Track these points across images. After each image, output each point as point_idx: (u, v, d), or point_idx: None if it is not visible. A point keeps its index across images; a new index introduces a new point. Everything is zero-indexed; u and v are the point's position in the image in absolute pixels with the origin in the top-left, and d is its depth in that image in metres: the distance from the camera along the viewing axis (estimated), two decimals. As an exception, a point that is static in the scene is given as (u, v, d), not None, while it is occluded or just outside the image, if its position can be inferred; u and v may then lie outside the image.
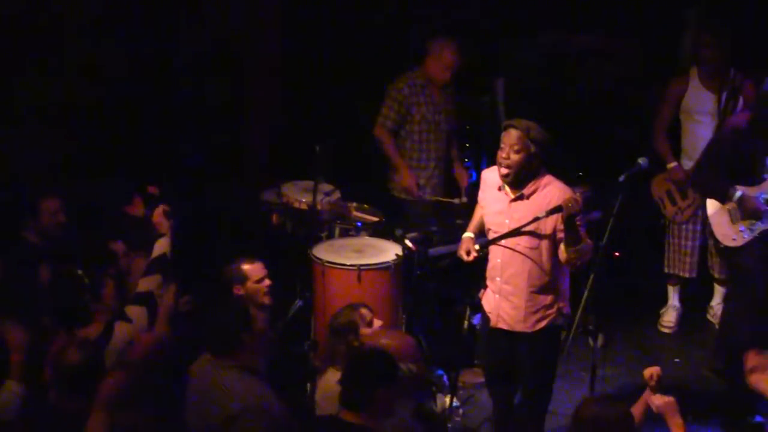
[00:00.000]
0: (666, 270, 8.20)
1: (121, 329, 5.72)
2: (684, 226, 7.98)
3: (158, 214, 6.50)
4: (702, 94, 8.03)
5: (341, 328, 5.85)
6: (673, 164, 7.89)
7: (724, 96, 7.92)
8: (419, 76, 8.05)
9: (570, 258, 6.07)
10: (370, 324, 5.88)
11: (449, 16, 9.30)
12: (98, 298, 6.11)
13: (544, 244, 6.12)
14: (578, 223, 6.02)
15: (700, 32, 8.19)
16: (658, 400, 5.09)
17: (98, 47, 8.28)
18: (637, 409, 5.16)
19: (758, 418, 6.91)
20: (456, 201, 7.85)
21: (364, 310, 5.93)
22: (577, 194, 6.07)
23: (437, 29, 8.57)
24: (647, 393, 5.19)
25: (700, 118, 7.90)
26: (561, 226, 6.00)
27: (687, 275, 8.11)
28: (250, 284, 6.34)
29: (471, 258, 6.34)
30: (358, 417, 4.76)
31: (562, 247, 6.07)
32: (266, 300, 6.41)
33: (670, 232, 8.15)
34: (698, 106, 8.01)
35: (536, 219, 6.01)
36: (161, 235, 6.46)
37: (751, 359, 5.36)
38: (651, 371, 5.23)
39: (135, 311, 6.12)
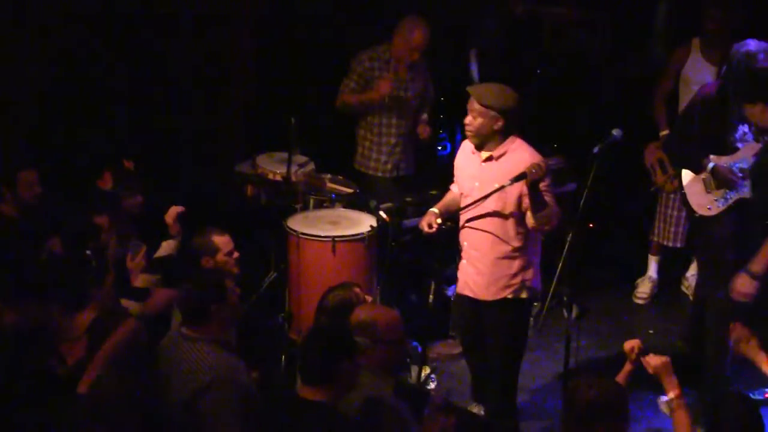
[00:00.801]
0: (654, 238, 8.22)
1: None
2: (673, 195, 7.96)
3: (171, 216, 6.66)
4: (702, 65, 8.08)
5: (336, 308, 5.70)
6: (665, 132, 7.90)
7: (723, 69, 7.95)
8: (385, 51, 7.99)
9: (536, 223, 6.12)
10: (363, 302, 5.83)
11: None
12: (101, 284, 6.12)
13: (510, 210, 6.17)
14: (545, 189, 6.05)
15: (707, 4, 8.14)
16: (654, 360, 5.14)
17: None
18: (620, 379, 5.18)
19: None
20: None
21: (357, 289, 5.86)
22: (543, 161, 6.10)
23: (411, 4, 8.50)
24: (628, 364, 5.24)
25: (693, 88, 7.89)
26: (525, 192, 6.05)
27: (672, 245, 8.13)
28: (220, 256, 6.33)
29: (432, 230, 6.39)
30: (317, 393, 4.74)
31: (528, 213, 6.11)
32: (235, 270, 6.39)
33: (659, 201, 8.16)
34: (697, 76, 8.02)
35: (501, 188, 6.05)
36: (172, 236, 6.65)
37: (736, 331, 5.39)
38: (631, 344, 5.27)
39: (130, 306, 6.22)
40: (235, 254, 6.41)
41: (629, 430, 4.83)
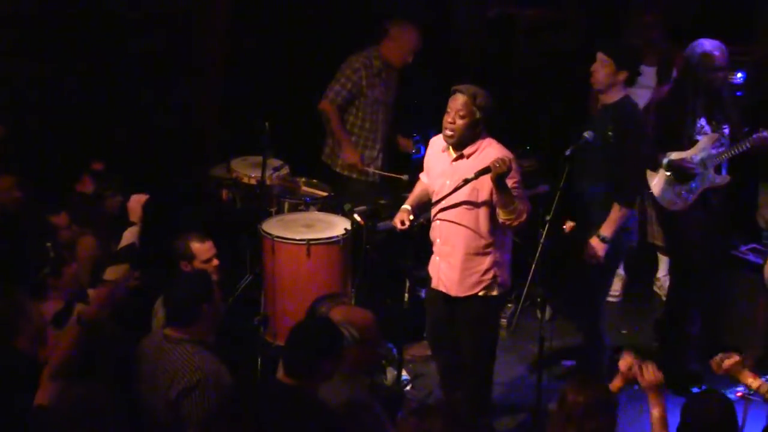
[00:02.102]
0: None
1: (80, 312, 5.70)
2: None
3: (135, 201, 6.53)
4: (642, 68, 8.18)
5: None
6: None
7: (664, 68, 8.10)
8: (376, 57, 8.06)
9: (506, 219, 6.15)
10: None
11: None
12: (58, 275, 6.13)
13: (481, 206, 6.20)
14: (514, 185, 6.09)
15: (641, 12, 8.31)
16: (650, 377, 5.18)
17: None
18: (612, 387, 5.25)
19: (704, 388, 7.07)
20: (403, 177, 7.88)
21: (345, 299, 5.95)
22: (507, 155, 6.12)
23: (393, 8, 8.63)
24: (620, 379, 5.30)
25: (639, 91, 7.96)
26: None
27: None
28: (197, 263, 6.33)
29: (405, 227, 6.43)
30: (296, 381, 4.79)
31: (499, 210, 6.15)
32: (213, 278, 6.34)
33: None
34: (639, 79, 8.15)
35: (466, 181, 6.09)
36: (132, 224, 6.51)
37: (726, 363, 5.39)
38: (627, 363, 5.28)
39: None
40: (215, 262, 6.40)
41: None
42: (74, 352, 5.04)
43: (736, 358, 5.26)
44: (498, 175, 5.95)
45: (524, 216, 6.24)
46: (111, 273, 6.37)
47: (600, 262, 6.70)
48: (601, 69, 6.59)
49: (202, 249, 6.37)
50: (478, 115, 6.12)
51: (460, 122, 6.14)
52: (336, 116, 8.06)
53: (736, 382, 5.42)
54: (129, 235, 6.51)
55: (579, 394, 4.76)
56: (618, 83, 6.60)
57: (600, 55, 6.61)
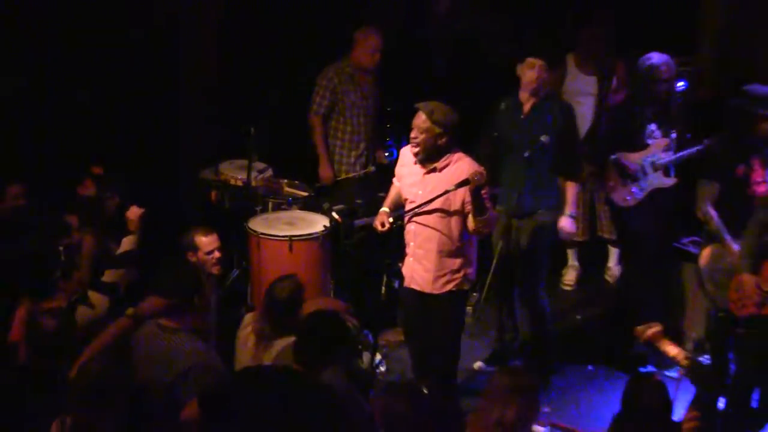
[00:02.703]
0: None
1: (82, 312, 5.80)
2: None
3: (134, 213, 6.61)
4: (582, 78, 8.24)
5: (288, 300, 5.82)
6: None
7: (614, 81, 8.23)
8: (346, 66, 8.09)
9: (477, 227, 6.22)
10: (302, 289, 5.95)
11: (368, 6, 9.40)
12: (68, 277, 6.23)
13: (453, 214, 6.26)
14: (485, 196, 6.15)
15: (583, 25, 8.40)
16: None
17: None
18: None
19: (650, 368, 7.23)
20: (370, 170, 7.97)
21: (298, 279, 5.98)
22: (483, 169, 6.17)
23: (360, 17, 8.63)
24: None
25: (581, 99, 8.07)
26: (468, 198, 6.14)
27: (580, 239, 8.30)
28: (200, 254, 6.37)
29: (385, 229, 6.47)
30: (304, 368, 4.87)
31: (470, 217, 6.21)
32: (214, 270, 6.49)
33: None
34: (580, 88, 8.22)
35: (446, 192, 6.13)
36: (131, 233, 6.60)
37: (648, 332, 5.43)
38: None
39: (98, 299, 6.27)
40: (216, 254, 6.44)
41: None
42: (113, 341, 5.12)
43: (657, 327, 5.31)
44: (476, 187, 6.04)
45: (492, 225, 6.43)
46: (109, 276, 6.49)
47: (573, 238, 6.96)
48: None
49: (205, 241, 6.41)
50: (437, 129, 6.13)
51: (421, 137, 6.17)
52: (320, 128, 8.10)
53: (657, 349, 5.41)
54: (127, 243, 6.61)
55: (504, 377, 4.82)
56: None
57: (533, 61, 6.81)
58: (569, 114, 7.09)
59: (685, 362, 5.20)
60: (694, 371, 5.18)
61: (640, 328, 5.41)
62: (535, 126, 6.85)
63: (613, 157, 7.30)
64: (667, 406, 4.80)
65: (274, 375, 4.87)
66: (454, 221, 6.30)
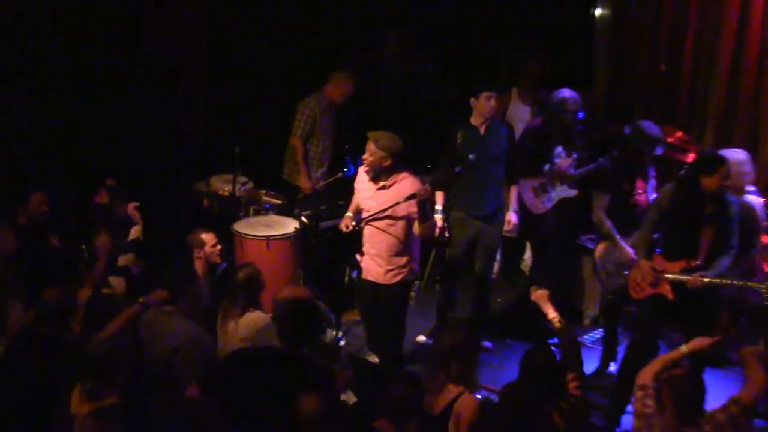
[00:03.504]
0: None
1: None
2: None
3: (131, 208, 6.65)
4: (520, 106, 8.28)
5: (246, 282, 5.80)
6: None
7: (536, 108, 8.27)
8: (323, 98, 8.07)
9: (422, 231, 6.31)
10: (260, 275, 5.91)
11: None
12: (91, 270, 6.19)
13: (400, 221, 6.33)
14: (429, 207, 6.28)
15: (523, 60, 8.44)
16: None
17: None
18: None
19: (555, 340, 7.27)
20: (340, 175, 7.87)
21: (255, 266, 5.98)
22: (427, 185, 6.28)
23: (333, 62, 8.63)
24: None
25: (518, 124, 8.03)
26: (414, 209, 6.20)
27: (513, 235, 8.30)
28: (207, 248, 6.36)
29: (349, 230, 6.54)
30: (288, 346, 4.86)
31: (416, 224, 6.28)
32: (218, 260, 6.48)
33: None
34: (518, 113, 8.23)
35: (397, 203, 6.22)
36: (135, 224, 6.62)
37: (535, 293, 5.44)
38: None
39: (116, 281, 6.28)
40: (218, 246, 6.41)
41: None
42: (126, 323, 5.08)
43: (544, 291, 5.31)
44: (422, 199, 6.14)
45: (435, 230, 6.49)
46: (122, 260, 6.47)
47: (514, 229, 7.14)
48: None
49: (209, 237, 6.41)
50: (382, 154, 6.22)
51: (370, 159, 6.28)
52: (302, 150, 8.03)
53: (540, 309, 5.37)
54: (134, 232, 6.64)
55: (446, 337, 4.87)
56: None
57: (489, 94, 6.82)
58: (512, 133, 7.20)
59: (558, 325, 5.18)
60: (562, 335, 5.17)
61: (532, 288, 5.44)
62: (491, 144, 6.92)
63: (546, 167, 7.31)
64: (553, 369, 4.74)
65: (262, 353, 4.98)
66: (401, 227, 6.36)
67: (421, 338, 7.38)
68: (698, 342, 5.04)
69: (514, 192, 7.16)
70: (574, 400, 4.69)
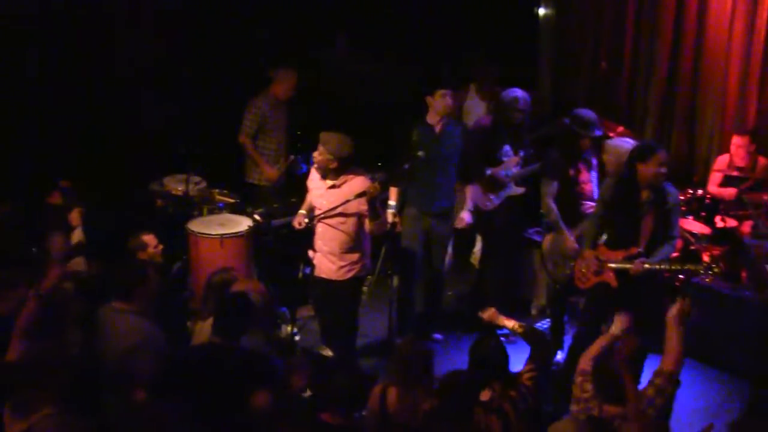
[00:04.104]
0: None
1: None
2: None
3: (74, 213, 6.53)
4: (477, 102, 8.38)
5: (221, 285, 5.76)
6: None
7: (491, 104, 8.34)
8: (270, 96, 8.07)
9: (372, 228, 6.36)
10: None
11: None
12: (43, 270, 6.04)
13: (351, 219, 6.37)
14: (379, 206, 6.34)
15: (481, 62, 8.53)
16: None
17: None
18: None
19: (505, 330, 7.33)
20: (291, 158, 7.90)
21: (233, 272, 6.00)
22: (377, 183, 6.33)
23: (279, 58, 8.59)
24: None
25: (474, 118, 8.18)
26: (364, 206, 6.25)
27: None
28: (150, 249, 6.30)
29: (302, 227, 6.57)
30: (223, 340, 4.88)
31: (366, 221, 6.33)
32: (160, 260, 6.42)
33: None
34: (475, 109, 8.33)
35: (347, 201, 6.25)
36: (75, 227, 6.50)
37: (486, 314, 5.58)
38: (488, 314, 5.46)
39: (68, 284, 6.12)
40: (160, 247, 6.38)
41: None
42: (32, 319, 4.88)
43: (491, 310, 5.44)
44: (372, 197, 6.19)
45: (385, 227, 6.52)
46: (73, 265, 6.38)
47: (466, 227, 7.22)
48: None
49: (150, 239, 6.34)
50: (330, 157, 6.28)
51: (319, 159, 6.34)
52: (251, 145, 8.04)
53: (498, 326, 5.53)
54: (75, 236, 6.54)
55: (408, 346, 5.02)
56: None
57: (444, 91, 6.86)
58: (466, 132, 7.25)
59: (520, 330, 5.29)
60: (528, 335, 5.28)
61: (480, 314, 5.53)
62: (445, 142, 6.96)
63: (489, 171, 7.36)
64: (504, 359, 4.85)
65: (198, 351, 4.98)
66: (352, 224, 6.40)
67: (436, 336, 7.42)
68: (623, 320, 5.13)
69: (468, 191, 7.22)
70: (525, 389, 4.77)
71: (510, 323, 5.33)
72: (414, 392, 4.82)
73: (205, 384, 4.71)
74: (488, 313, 5.40)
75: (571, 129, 6.88)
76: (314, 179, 6.57)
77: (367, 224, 6.36)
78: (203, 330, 5.53)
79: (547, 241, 7.09)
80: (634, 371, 4.69)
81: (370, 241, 6.65)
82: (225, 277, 5.82)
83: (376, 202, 6.29)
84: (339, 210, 6.32)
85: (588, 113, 6.91)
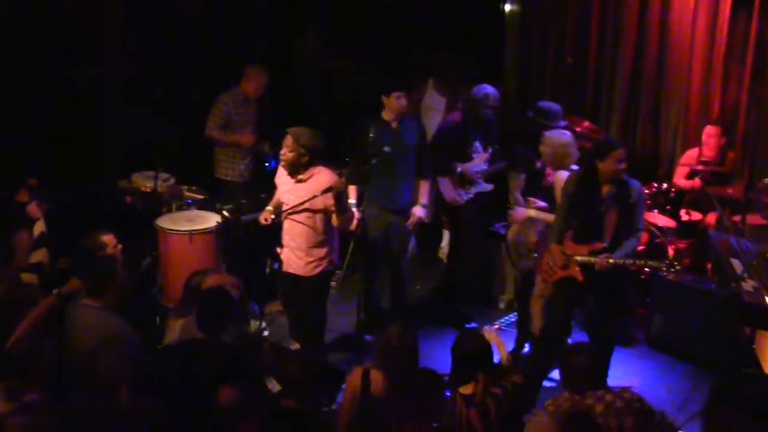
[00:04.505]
0: None
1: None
2: None
3: (32, 205, 6.48)
4: (437, 97, 8.40)
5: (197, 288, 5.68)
6: None
7: (451, 100, 8.36)
8: (238, 93, 7.99)
9: (340, 222, 6.35)
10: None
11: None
12: (7, 265, 6.07)
13: (318, 214, 6.35)
14: (345, 200, 6.32)
15: (435, 56, 8.54)
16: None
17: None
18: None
19: (473, 324, 7.37)
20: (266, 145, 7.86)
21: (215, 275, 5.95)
22: (343, 178, 6.32)
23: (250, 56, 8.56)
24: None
25: (433, 114, 8.20)
26: (331, 201, 6.23)
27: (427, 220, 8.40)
28: (109, 249, 5.97)
29: (268, 223, 6.55)
30: (208, 335, 4.89)
31: (334, 216, 6.32)
32: (121, 258, 6.38)
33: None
34: (433, 104, 8.38)
35: (314, 197, 6.24)
36: (37, 220, 6.45)
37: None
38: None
39: (28, 277, 6.11)
40: (119, 246, 6.13)
41: None
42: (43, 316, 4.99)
43: (488, 332, 5.29)
44: (338, 192, 6.17)
45: (351, 220, 6.50)
46: (35, 257, 6.34)
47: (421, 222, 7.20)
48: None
49: (109, 239, 6.04)
50: (301, 150, 6.24)
51: (289, 155, 6.29)
52: (218, 133, 7.94)
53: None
54: (37, 228, 6.49)
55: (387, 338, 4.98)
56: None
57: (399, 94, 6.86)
58: (422, 129, 7.27)
59: (506, 364, 5.21)
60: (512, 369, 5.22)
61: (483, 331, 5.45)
62: (404, 137, 6.97)
63: (459, 168, 7.37)
64: (485, 350, 4.86)
65: (183, 347, 4.97)
66: (319, 219, 6.38)
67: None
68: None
69: (424, 186, 7.20)
70: (509, 389, 4.76)
71: (504, 352, 5.26)
72: (397, 377, 4.84)
73: (195, 380, 4.67)
74: (488, 335, 5.26)
75: (535, 121, 6.91)
76: (281, 175, 6.55)
77: (334, 219, 6.35)
78: (176, 327, 5.56)
79: (513, 231, 7.09)
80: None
81: (338, 236, 6.64)
82: (204, 278, 5.76)
83: (343, 197, 6.28)
84: (306, 205, 6.30)
85: (551, 105, 7.01)
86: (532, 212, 6.57)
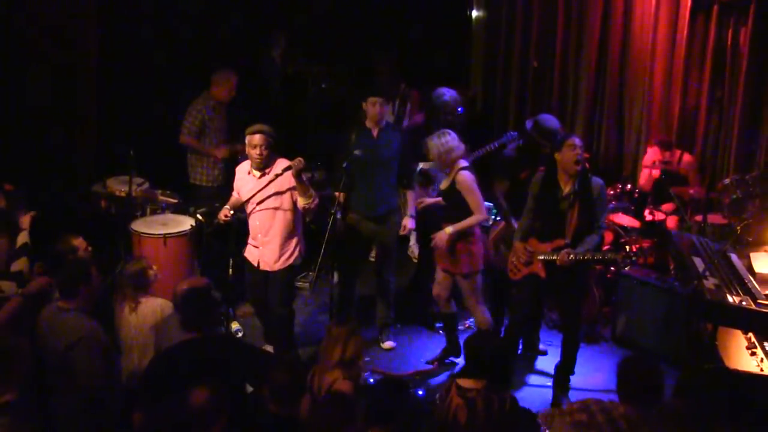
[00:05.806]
0: None
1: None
2: None
3: (25, 217, 6.37)
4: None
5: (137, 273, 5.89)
6: None
7: (398, 103, 8.36)
8: (209, 99, 7.93)
9: (305, 204, 6.39)
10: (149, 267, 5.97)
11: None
12: None
13: (285, 204, 6.45)
14: (306, 180, 6.38)
15: (378, 61, 8.53)
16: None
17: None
18: None
19: (440, 324, 7.34)
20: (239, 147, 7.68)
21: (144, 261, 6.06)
22: (299, 158, 6.32)
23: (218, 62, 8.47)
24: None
25: (387, 116, 8.19)
26: (293, 182, 6.32)
27: None
28: (80, 253, 6.13)
29: (228, 219, 6.57)
30: (197, 333, 4.90)
31: (299, 198, 6.38)
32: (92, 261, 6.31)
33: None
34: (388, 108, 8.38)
35: (276, 176, 6.35)
36: (23, 230, 6.34)
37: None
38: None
39: (6, 285, 6.00)
40: (89, 249, 6.23)
41: None
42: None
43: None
44: (297, 170, 6.24)
45: (317, 201, 6.49)
46: (15, 266, 6.28)
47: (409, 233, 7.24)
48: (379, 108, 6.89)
49: (79, 242, 6.17)
50: (271, 138, 6.41)
51: (265, 152, 6.39)
52: (193, 141, 7.89)
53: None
54: (21, 238, 6.35)
55: (338, 327, 5.04)
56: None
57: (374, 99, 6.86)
58: (404, 137, 7.22)
59: None
60: None
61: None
62: (383, 146, 6.95)
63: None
64: (496, 360, 4.74)
65: (185, 348, 4.90)
66: (289, 213, 6.49)
67: (389, 344, 7.33)
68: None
69: (410, 196, 7.18)
70: (504, 402, 4.63)
71: None
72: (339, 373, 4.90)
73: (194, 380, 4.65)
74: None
75: (532, 136, 6.86)
76: (242, 177, 6.62)
77: (300, 201, 6.40)
78: (145, 317, 5.67)
79: (500, 229, 7.10)
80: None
81: (303, 228, 6.70)
82: (141, 265, 5.86)
83: (302, 176, 6.33)
84: (273, 189, 6.38)
85: (550, 122, 6.87)
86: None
